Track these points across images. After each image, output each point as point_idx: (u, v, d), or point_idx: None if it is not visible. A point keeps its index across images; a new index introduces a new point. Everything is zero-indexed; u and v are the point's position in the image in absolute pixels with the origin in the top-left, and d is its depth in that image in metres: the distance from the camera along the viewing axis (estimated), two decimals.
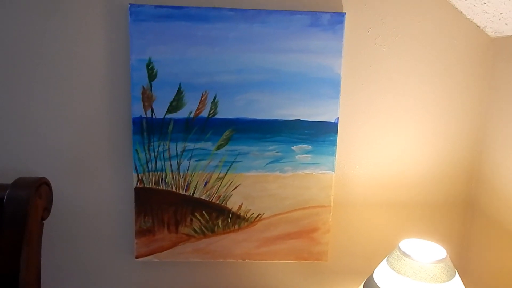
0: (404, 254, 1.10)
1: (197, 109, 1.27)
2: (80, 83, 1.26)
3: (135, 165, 1.29)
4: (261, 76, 1.27)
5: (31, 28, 1.22)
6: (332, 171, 1.34)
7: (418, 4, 1.28)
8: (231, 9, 1.22)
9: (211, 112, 1.28)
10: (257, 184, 1.34)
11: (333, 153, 1.33)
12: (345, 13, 1.25)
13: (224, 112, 1.28)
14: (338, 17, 1.25)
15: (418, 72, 1.32)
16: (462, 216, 1.41)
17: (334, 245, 1.41)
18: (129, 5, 1.18)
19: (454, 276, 1.04)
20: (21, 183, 1.11)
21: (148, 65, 1.23)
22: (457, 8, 1.28)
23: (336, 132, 1.32)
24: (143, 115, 1.26)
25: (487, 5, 1.14)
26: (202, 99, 1.27)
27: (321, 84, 1.29)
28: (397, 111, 1.34)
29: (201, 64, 1.25)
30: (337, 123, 1.31)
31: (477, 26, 1.29)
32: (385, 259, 1.17)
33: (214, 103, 1.27)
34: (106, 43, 1.24)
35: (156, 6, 1.20)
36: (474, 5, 1.19)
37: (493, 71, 1.32)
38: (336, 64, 1.28)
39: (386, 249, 1.41)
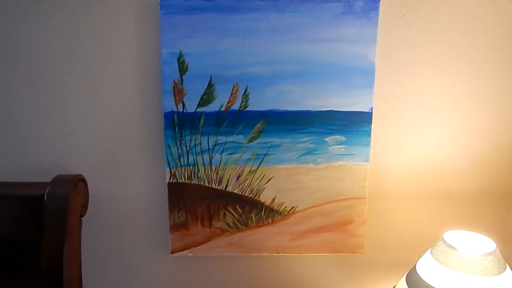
0: (450, 246, 1.03)
1: (228, 102, 1.22)
2: (112, 79, 1.22)
3: (168, 160, 1.25)
4: (293, 67, 1.21)
5: (63, 25, 1.19)
6: (367, 162, 1.28)
7: None
8: None
9: (242, 104, 1.23)
10: (290, 177, 1.29)
11: (368, 144, 1.27)
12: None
13: (256, 104, 1.23)
14: (372, 4, 1.18)
15: (456, 60, 1.24)
16: (505, 207, 1.33)
17: (370, 238, 1.36)
18: None
19: (505, 269, 0.97)
20: (59, 181, 1.09)
21: (179, 59, 1.18)
22: None
23: (370, 122, 1.26)
24: (175, 109, 1.22)
25: None
26: (233, 91, 1.22)
27: (354, 73, 1.22)
28: (434, 99, 1.27)
29: (232, 56, 1.19)
30: (371, 113, 1.25)
31: None
32: (429, 251, 1.11)
33: (245, 96, 1.22)
34: (137, 38, 1.19)
35: None
36: None
37: None
38: (370, 52, 1.21)
39: (424, 241, 1.35)
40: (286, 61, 1.21)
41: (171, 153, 1.25)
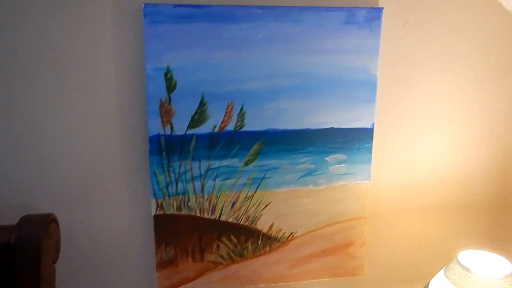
0: (467, 269, 0.97)
1: (222, 122, 1.07)
2: (88, 98, 1.02)
3: (154, 189, 1.07)
4: (291, 81, 1.09)
5: (29, 33, 0.96)
6: (368, 180, 1.20)
7: None
8: (260, 7, 1.03)
9: (238, 124, 1.08)
10: (289, 201, 1.17)
11: (369, 161, 1.18)
12: (383, 8, 1.08)
13: (252, 123, 1.09)
14: (375, 13, 1.09)
15: (456, 71, 1.19)
16: (502, 217, 1.31)
17: (371, 258, 1.27)
18: (143, 5, 0.95)
19: None
20: (28, 222, 0.89)
21: (166, 74, 1.01)
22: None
23: (371, 139, 1.17)
24: (161, 132, 1.04)
25: None
26: (228, 110, 1.07)
27: (356, 87, 1.12)
28: (434, 111, 1.21)
29: (226, 70, 1.04)
30: (373, 129, 1.16)
31: None
32: (442, 273, 1.04)
33: (241, 114, 1.08)
34: (117, 50, 1.00)
35: (175, 6, 0.98)
36: None
37: None
38: (372, 65, 1.12)
39: (425, 258, 1.29)
40: (285, 75, 1.08)
41: (157, 182, 1.07)
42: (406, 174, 1.23)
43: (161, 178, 1.07)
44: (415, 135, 1.21)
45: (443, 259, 1.27)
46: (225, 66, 1.04)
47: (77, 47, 0.98)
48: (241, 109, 1.08)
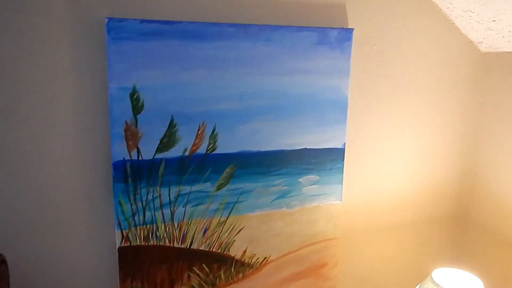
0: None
1: (193, 144, 0.99)
2: (43, 120, 0.89)
3: (118, 220, 0.96)
4: (265, 102, 1.03)
5: None
6: (340, 200, 1.16)
7: (419, 19, 1.15)
8: (232, 25, 0.97)
9: (210, 147, 1.01)
10: (263, 224, 1.10)
11: (340, 181, 1.15)
12: (353, 29, 1.07)
13: (225, 146, 1.02)
14: (346, 34, 1.06)
15: (417, 89, 1.19)
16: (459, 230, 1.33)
17: (344, 278, 1.23)
18: (106, 19, 0.86)
19: None
20: None
21: (132, 95, 0.92)
22: (454, 23, 1.17)
23: (343, 159, 1.14)
24: (127, 157, 0.94)
25: (495, 22, 1.05)
26: (199, 132, 0.99)
27: (328, 107, 1.09)
28: (400, 131, 1.20)
29: (197, 90, 0.97)
30: (344, 149, 1.13)
31: (471, 41, 1.20)
32: None
33: (213, 137, 1.00)
34: (77, 69, 0.89)
35: (143, 21, 0.89)
36: (478, 22, 1.09)
37: (484, 85, 1.25)
38: (344, 85, 1.09)
39: (399, 276, 1.27)
40: (257, 95, 1.02)
41: (122, 211, 0.96)
42: (375, 193, 1.21)
43: (126, 207, 0.97)
44: (383, 154, 1.20)
45: (416, 276, 1.27)
46: (195, 85, 0.97)
47: (31, 66, 0.86)
48: (213, 130, 1.00)
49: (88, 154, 0.93)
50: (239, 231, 1.08)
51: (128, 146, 0.94)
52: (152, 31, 0.90)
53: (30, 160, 0.90)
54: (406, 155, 1.22)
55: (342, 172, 1.14)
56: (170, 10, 0.92)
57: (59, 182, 0.93)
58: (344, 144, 1.13)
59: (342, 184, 1.15)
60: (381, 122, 1.17)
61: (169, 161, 0.98)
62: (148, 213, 0.99)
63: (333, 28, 1.05)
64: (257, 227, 1.10)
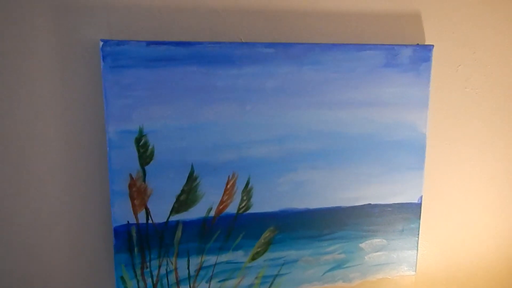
0: None
1: (221, 202, 0.71)
2: (26, 173, 0.65)
3: None
4: (314, 145, 0.73)
5: None
6: (413, 271, 0.82)
7: None
8: (270, 44, 0.68)
9: (243, 205, 0.72)
10: None
11: (415, 246, 0.81)
12: (433, 46, 0.75)
13: (262, 203, 0.73)
14: (423, 52, 0.75)
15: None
16: None
17: None
18: (100, 42, 0.61)
19: None
20: None
21: (138, 140, 0.65)
22: None
23: (419, 217, 0.80)
24: (132, 220, 0.68)
25: None
26: (228, 186, 0.71)
27: (398, 150, 0.77)
28: (494, 178, 0.85)
29: (224, 132, 0.69)
30: (421, 204, 0.80)
31: None
32: None
33: (247, 191, 0.72)
34: (65, 107, 0.65)
35: (149, 43, 0.63)
36: None
37: None
38: (420, 120, 0.77)
39: None
40: (304, 136, 0.73)
41: None
42: (461, 262, 0.86)
43: (131, 283, 0.70)
44: (471, 211, 0.85)
45: None
46: (222, 126, 0.69)
47: (14, 100, 0.63)
48: (247, 183, 0.72)
49: (82, 218, 0.68)
50: None
51: (133, 206, 0.67)
52: (162, 55, 0.64)
53: (9, 226, 0.66)
54: (503, 212, 0.86)
55: (418, 234, 0.81)
56: (184, 28, 0.66)
57: (47, 255, 0.68)
58: (421, 197, 0.80)
59: (417, 250, 0.82)
60: (469, 169, 0.83)
61: (188, 224, 0.70)
62: None
63: (406, 46, 0.74)
64: None
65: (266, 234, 0.74)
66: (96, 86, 0.64)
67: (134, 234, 0.68)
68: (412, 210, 0.80)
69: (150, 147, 0.66)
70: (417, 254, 0.82)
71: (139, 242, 0.69)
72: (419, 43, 0.78)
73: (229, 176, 0.71)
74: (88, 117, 0.65)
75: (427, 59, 0.75)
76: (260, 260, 0.75)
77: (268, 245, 0.75)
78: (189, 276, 0.72)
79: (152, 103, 0.65)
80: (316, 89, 0.72)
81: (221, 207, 0.71)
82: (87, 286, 0.70)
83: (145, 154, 0.66)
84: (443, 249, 0.85)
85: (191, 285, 0.73)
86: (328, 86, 0.72)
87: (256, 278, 0.75)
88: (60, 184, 0.66)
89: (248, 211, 0.73)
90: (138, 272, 0.70)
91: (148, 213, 0.68)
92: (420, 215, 0.81)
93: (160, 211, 0.69)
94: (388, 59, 0.74)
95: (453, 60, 0.80)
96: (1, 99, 0.62)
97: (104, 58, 0.61)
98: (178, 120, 0.67)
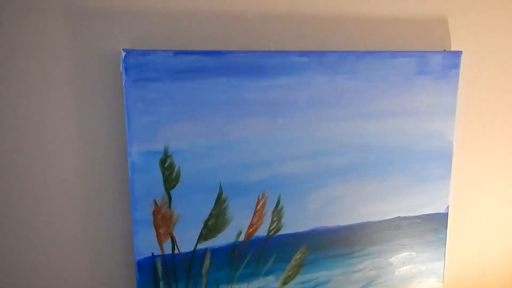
0: None
1: (251, 225, 0.63)
2: (42, 195, 0.54)
3: None
4: (346, 159, 0.67)
5: None
6: (441, 282, 0.78)
7: None
8: (303, 53, 0.61)
9: (273, 226, 0.65)
10: None
11: (442, 257, 0.78)
12: (462, 52, 0.71)
13: (293, 223, 0.66)
14: (452, 58, 0.71)
15: None
16: None
17: None
18: (123, 52, 0.51)
19: None
20: None
21: (163, 162, 0.57)
22: None
23: (446, 227, 0.76)
24: (157, 252, 0.59)
25: None
26: (258, 207, 0.63)
27: (427, 160, 0.73)
28: None
29: (254, 149, 0.61)
30: (447, 214, 0.76)
31: None
32: None
33: (277, 212, 0.64)
34: (84, 123, 0.55)
35: (177, 53, 0.54)
36: None
37: None
38: (448, 128, 0.73)
39: None
40: (336, 150, 0.67)
41: None
42: (485, 270, 0.84)
43: None
44: (497, 219, 0.82)
45: None
46: (251, 142, 0.61)
47: (15, 117, 0.52)
48: (277, 203, 0.64)
49: (100, 252, 0.58)
50: None
51: (158, 235, 0.58)
52: (190, 66, 0.56)
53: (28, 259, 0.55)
54: None
55: (445, 244, 0.77)
56: (212, 37, 0.58)
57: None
58: (448, 207, 0.76)
59: (444, 261, 0.78)
60: (497, 178, 0.80)
61: (216, 251, 0.62)
62: None
63: (437, 52, 0.70)
64: None
65: (297, 256, 0.68)
66: (117, 102, 0.54)
67: (159, 267, 0.59)
68: (440, 221, 0.76)
69: (176, 169, 0.58)
70: (444, 264, 0.78)
71: (165, 275, 0.60)
72: (446, 49, 0.73)
73: (259, 196, 0.63)
74: (107, 136, 0.55)
75: (456, 65, 0.71)
76: (291, 284, 0.68)
77: (299, 267, 0.68)
78: None
79: (178, 119, 0.57)
80: (350, 100, 0.66)
81: (251, 230, 0.64)
82: None
83: (170, 177, 0.58)
84: (469, 259, 0.82)
85: None
86: (362, 96, 0.66)
87: None
88: (76, 214, 0.56)
89: (278, 233, 0.65)
90: None
91: (174, 243, 0.60)
92: (447, 225, 0.77)
93: (186, 239, 0.60)
94: (420, 66, 0.69)
95: (479, 66, 0.76)
96: (14, 115, 0.51)
97: (126, 70, 0.52)
98: (205, 138, 0.59)
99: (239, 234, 0.63)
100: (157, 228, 0.58)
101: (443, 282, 0.79)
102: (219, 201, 0.61)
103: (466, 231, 0.81)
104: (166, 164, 0.57)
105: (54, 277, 0.57)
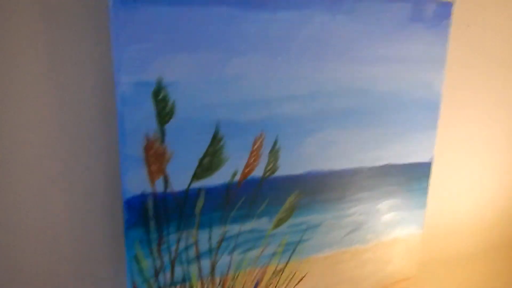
0: None
1: (247, 165, 0.58)
2: (20, 130, 0.46)
3: (134, 284, 0.54)
4: (344, 102, 0.63)
5: None
6: (421, 229, 0.77)
7: None
8: None
9: (269, 168, 0.60)
10: (329, 268, 0.71)
11: (423, 205, 0.76)
12: (452, 3, 0.67)
13: (288, 165, 0.62)
14: (445, 8, 0.67)
15: None
16: None
17: None
18: None
19: None
20: None
21: (156, 93, 0.50)
22: None
23: (428, 177, 0.75)
24: (148, 189, 0.52)
25: None
26: (255, 148, 0.58)
27: (416, 109, 0.70)
28: (503, 137, 0.82)
29: (253, 86, 0.56)
30: (431, 164, 0.74)
31: None
32: None
33: (274, 153, 0.60)
34: (63, 48, 0.46)
35: None
36: None
37: None
38: (437, 79, 0.70)
39: None
40: (335, 92, 0.62)
41: (140, 270, 0.55)
42: (467, 218, 0.83)
43: (146, 263, 0.55)
44: (478, 168, 0.82)
45: None
46: (251, 79, 0.56)
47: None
48: (274, 144, 0.59)
49: (84, 190, 0.51)
50: (301, 279, 0.68)
51: (150, 173, 0.52)
52: None
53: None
54: (508, 169, 0.84)
55: (426, 193, 0.76)
56: None
57: (49, 235, 0.50)
58: (432, 157, 0.74)
59: (425, 209, 0.77)
60: (480, 130, 0.79)
61: (211, 191, 0.57)
62: (178, 269, 0.58)
63: (431, 0, 0.66)
64: (323, 273, 0.70)
65: (291, 199, 0.63)
66: (103, 27, 0.46)
67: (150, 205, 0.53)
68: (424, 170, 0.74)
69: (170, 103, 0.51)
70: (424, 212, 0.77)
71: (156, 215, 0.54)
72: None
73: (256, 136, 0.58)
74: (92, 65, 0.47)
75: (447, 16, 0.68)
76: (283, 227, 0.64)
77: (292, 210, 0.64)
78: (211, 249, 0.59)
79: (173, 50, 0.50)
80: (348, 41, 0.61)
81: (247, 170, 0.59)
82: (96, 269, 0.54)
83: (164, 111, 0.51)
84: (448, 206, 0.81)
85: (212, 259, 0.60)
86: (358, 38, 0.62)
87: (279, 246, 0.65)
88: (58, 148, 0.49)
89: (274, 175, 0.61)
90: (155, 249, 0.55)
91: (166, 181, 0.54)
92: (429, 175, 0.75)
93: (180, 178, 0.55)
94: (414, 12, 0.65)
95: (465, 18, 0.73)
96: None
97: None
98: (202, 72, 0.52)
99: (235, 174, 0.58)
100: (149, 165, 0.52)
101: (422, 229, 0.78)
102: (215, 139, 0.55)
103: (448, 181, 0.79)
104: (160, 97, 0.50)
105: (33, 213, 0.50)
